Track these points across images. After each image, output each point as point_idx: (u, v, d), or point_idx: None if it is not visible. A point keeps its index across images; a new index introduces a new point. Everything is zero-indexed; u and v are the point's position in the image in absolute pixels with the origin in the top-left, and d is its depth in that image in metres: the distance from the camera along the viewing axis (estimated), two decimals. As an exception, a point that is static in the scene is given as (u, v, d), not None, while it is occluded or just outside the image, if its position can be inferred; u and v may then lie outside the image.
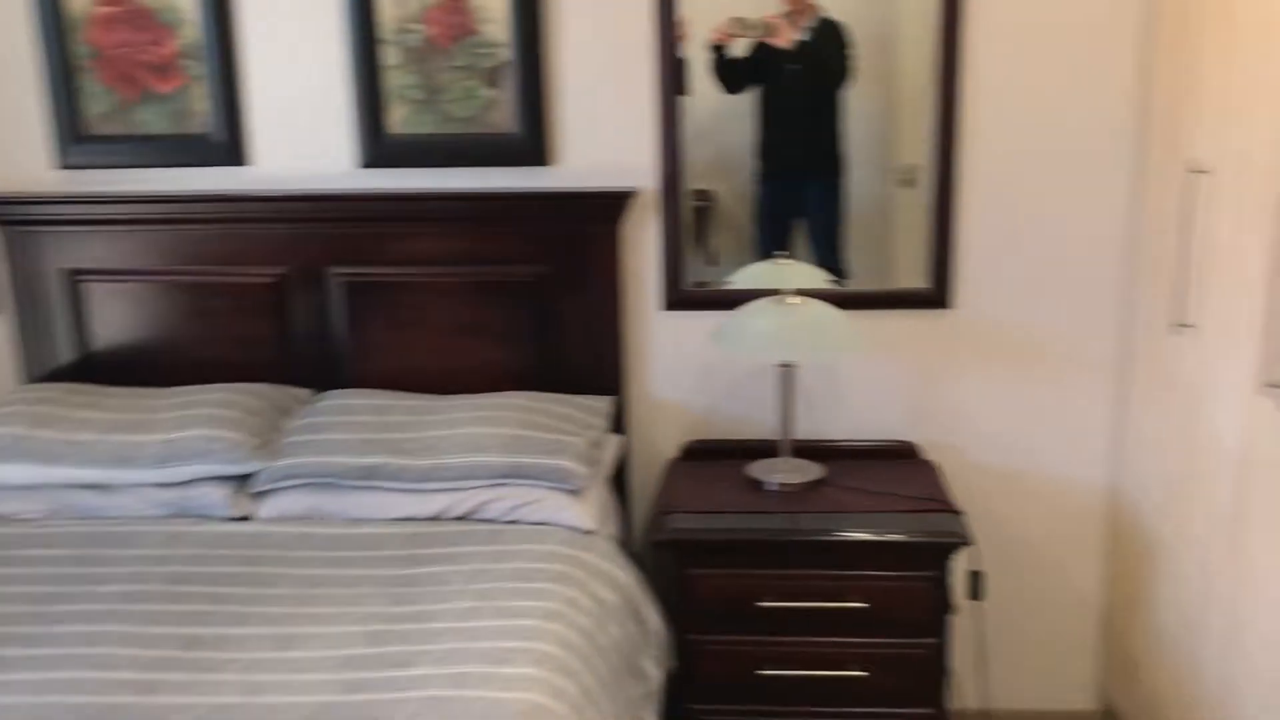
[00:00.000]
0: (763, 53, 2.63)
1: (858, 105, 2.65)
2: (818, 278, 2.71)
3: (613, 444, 2.64)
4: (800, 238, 2.76)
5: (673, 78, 2.60)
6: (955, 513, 2.43)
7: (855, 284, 2.72)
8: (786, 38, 2.61)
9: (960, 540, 2.34)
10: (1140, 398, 2.59)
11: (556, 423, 2.50)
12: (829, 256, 2.73)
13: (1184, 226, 2.30)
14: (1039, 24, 2.55)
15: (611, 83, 2.63)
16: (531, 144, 2.65)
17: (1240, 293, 2.06)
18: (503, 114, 2.65)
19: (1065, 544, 2.84)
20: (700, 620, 2.42)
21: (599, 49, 2.62)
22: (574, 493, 2.40)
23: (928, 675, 2.42)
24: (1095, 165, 2.61)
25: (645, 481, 2.83)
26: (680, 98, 2.62)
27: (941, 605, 2.38)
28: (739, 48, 2.63)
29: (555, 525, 2.36)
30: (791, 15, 2.59)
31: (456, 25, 2.61)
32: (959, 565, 2.49)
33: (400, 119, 2.67)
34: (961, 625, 2.84)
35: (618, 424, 2.72)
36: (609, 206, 2.63)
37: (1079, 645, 2.90)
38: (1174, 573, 2.40)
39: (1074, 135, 2.60)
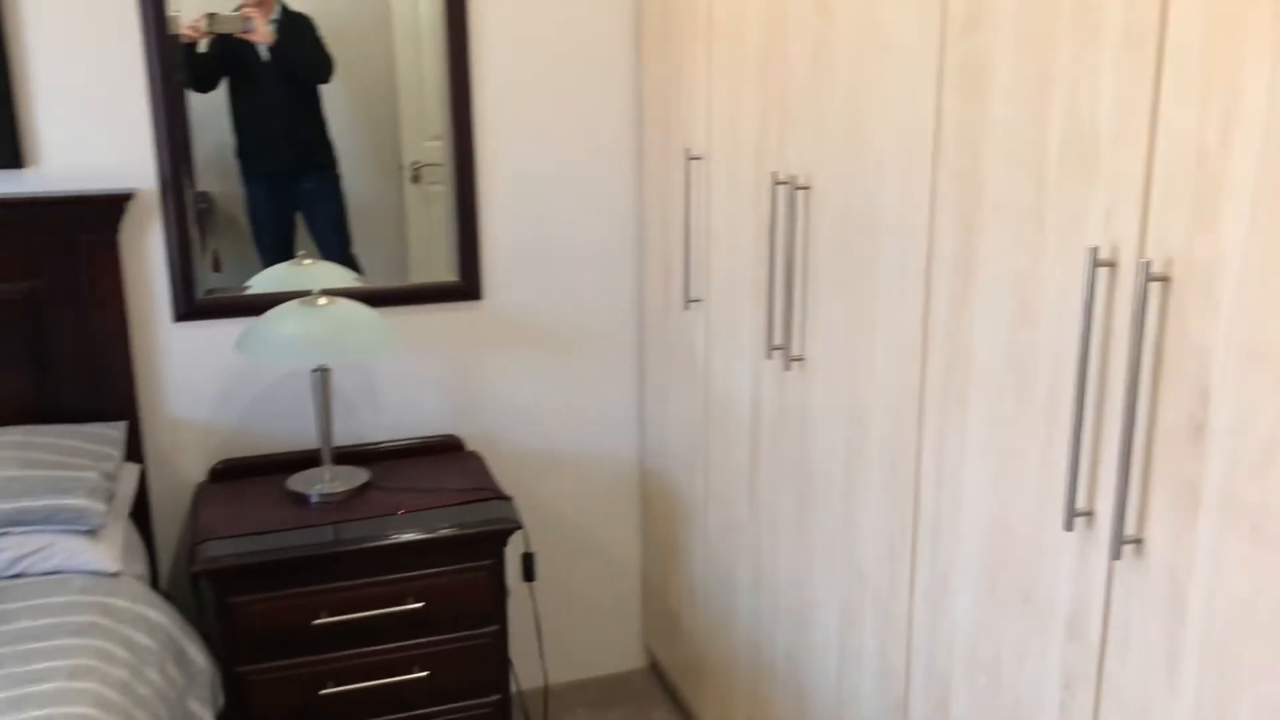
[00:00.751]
0: (231, 48, 2.48)
1: (358, 100, 2.59)
2: (344, 277, 2.62)
3: (131, 474, 2.40)
4: (304, 238, 2.65)
5: (167, 68, 2.39)
6: (504, 499, 2.46)
7: (373, 281, 2.66)
8: (263, 33, 2.48)
9: (511, 525, 2.38)
10: (661, 371, 2.78)
11: (62, 457, 2.22)
12: (338, 254, 2.65)
13: (685, 208, 2.48)
14: (541, 22, 2.64)
15: (97, 74, 2.36)
16: (-1, 144, 2.32)
17: (739, 266, 2.26)
18: (-41, 110, 2.30)
19: (606, 515, 2.98)
20: (251, 650, 2.27)
21: (76, 36, 2.34)
22: (90, 533, 2.14)
23: (491, 663, 2.43)
24: (604, 155, 2.76)
25: (173, 510, 2.60)
26: (182, 91, 2.42)
27: (498, 592, 2.41)
28: (206, 44, 2.47)
29: (72, 572, 2.10)
30: (255, 8, 2.47)
31: (-112, 6, 2.22)
32: (511, 550, 2.53)
33: None
34: (516, 608, 2.91)
35: (134, 451, 2.47)
36: (102, 212, 2.37)
37: (625, 609, 3.07)
38: (703, 531, 2.60)
39: (583, 128, 2.73)
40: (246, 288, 2.58)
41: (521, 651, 2.95)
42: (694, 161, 2.43)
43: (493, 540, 2.37)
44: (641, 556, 3.04)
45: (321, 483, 2.46)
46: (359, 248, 2.66)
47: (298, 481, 2.48)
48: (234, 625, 2.25)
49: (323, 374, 2.42)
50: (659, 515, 2.89)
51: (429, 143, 2.65)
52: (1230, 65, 1.09)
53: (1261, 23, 1.05)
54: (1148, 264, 1.19)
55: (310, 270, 2.61)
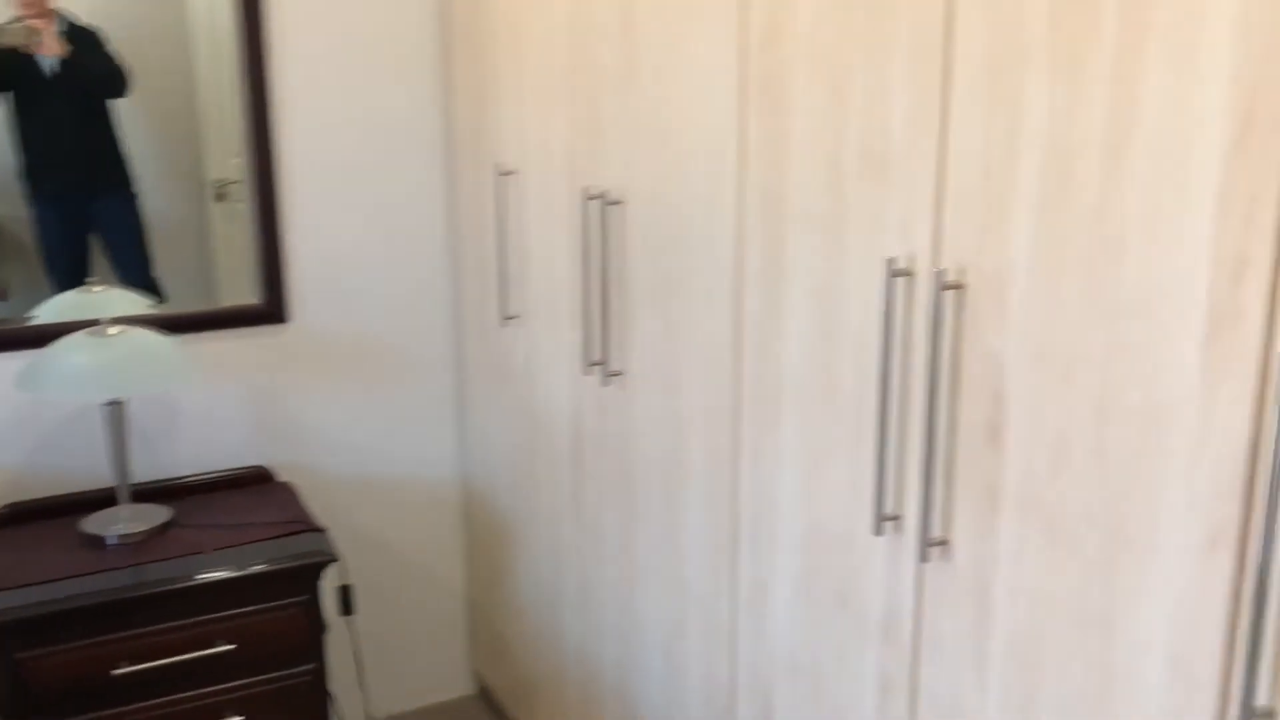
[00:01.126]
0: (9, 61, 2.32)
1: (156, 115, 2.46)
2: (137, 303, 2.48)
3: (-99, 523, 2.20)
4: (101, 261, 2.49)
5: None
6: (318, 531, 2.37)
7: (177, 305, 2.52)
8: (53, 46, 2.33)
9: (327, 558, 2.29)
10: (480, 390, 2.73)
11: None
12: (139, 278, 2.50)
13: (499, 225, 2.45)
14: (344, 32, 2.56)
15: None
16: None
17: (555, 282, 2.24)
18: None
19: (428, 541, 2.91)
20: (41, 708, 2.10)
21: None
22: None
23: (310, 702, 2.33)
24: (412, 173, 2.69)
25: (-49, 560, 2.40)
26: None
27: (316, 628, 2.31)
28: None
29: None
30: (39, 19, 2.32)
31: None
32: (328, 583, 2.44)
33: None
34: (336, 643, 2.81)
35: (-95, 498, 2.28)
36: None
37: (451, 636, 3.00)
38: (529, 550, 2.56)
39: (390, 145, 2.66)
40: (30, 318, 2.41)
41: (344, 687, 2.85)
42: (506, 177, 2.39)
43: (307, 574, 2.28)
44: (466, 580, 2.98)
45: (119, 523, 2.32)
46: (162, 271, 2.51)
47: (92, 523, 2.33)
48: (22, 683, 2.09)
49: (116, 408, 2.28)
50: (483, 537, 2.83)
51: (233, 159, 2.54)
52: (1013, 82, 1.13)
53: (1039, 42, 1.09)
54: (941, 273, 1.22)
55: (101, 297, 2.46)
